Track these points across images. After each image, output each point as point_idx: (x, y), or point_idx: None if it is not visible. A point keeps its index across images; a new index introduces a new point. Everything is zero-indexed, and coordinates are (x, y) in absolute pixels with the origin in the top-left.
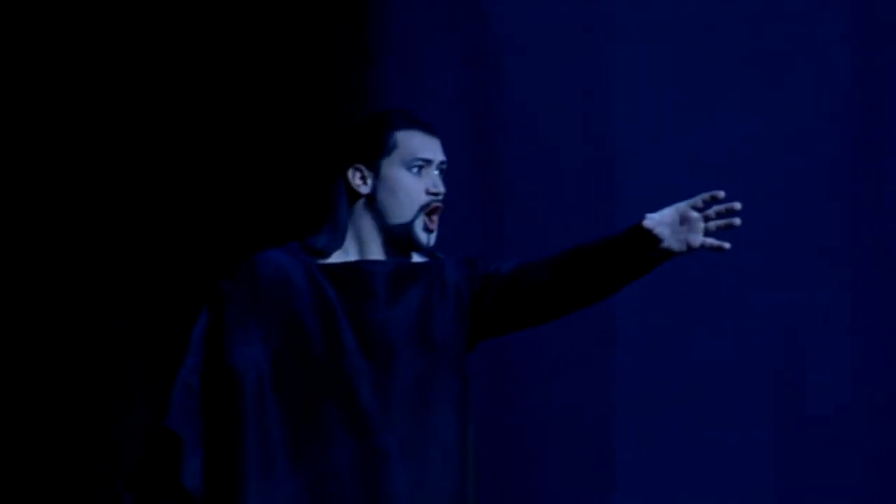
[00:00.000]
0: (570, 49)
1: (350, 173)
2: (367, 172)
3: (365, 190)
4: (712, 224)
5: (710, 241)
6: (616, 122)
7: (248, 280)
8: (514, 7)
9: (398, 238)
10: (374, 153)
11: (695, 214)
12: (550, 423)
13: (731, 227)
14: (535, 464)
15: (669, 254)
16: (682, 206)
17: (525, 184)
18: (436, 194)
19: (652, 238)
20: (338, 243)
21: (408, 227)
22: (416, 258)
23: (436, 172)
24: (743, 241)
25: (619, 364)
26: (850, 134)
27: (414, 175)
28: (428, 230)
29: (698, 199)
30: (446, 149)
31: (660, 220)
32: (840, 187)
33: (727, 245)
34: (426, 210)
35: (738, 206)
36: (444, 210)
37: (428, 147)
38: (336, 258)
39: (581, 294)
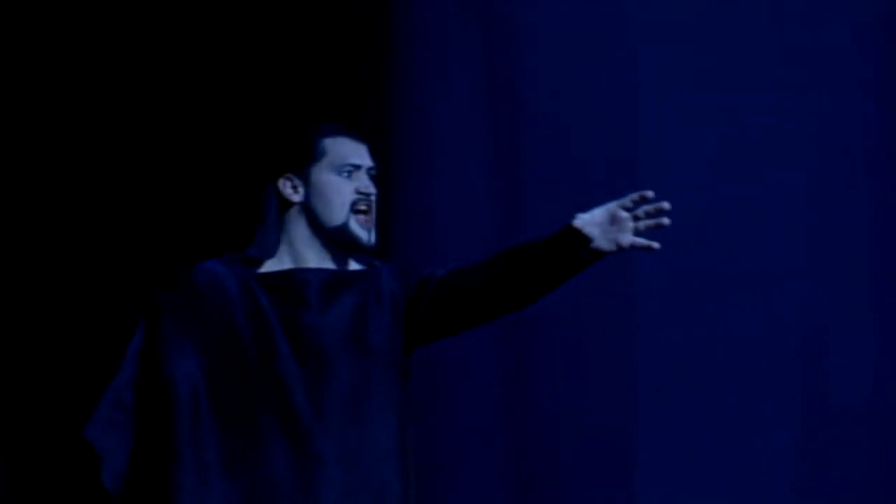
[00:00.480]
0: (593, 45)
1: (281, 183)
2: (297, 181)
3: (297, 199)
4: (641, 224)
5: (640, 240)
6: (640, 119)
7: (183, 291)
8: (537, 3)
9: (336, 241)
10: (304, 161)
11: (624, 214)
12: (573, 412)
13: (659, 226)
14: (557, 452)
15: (600, 253)
16: (612, 205)
17: (547, 181)
18: (366, 194)
19: (582, 238)
20: (269, 253)
21: (343, 229)
22: (354, 265)
23: (366, 176)
24: (768, 236)
25: (641, 355)
26: (875, 131)
27: (344, 178)
28: (365, 228)
29: (627, 200)
30: (471, 146)
31: (589, 220)
32: (865, 183)
33: (656, 244)
34: (356, 208)
35: (666, 205)
36: (377, 210)
37: (356, 153)
38: (271, 267)
39: (515, 295)
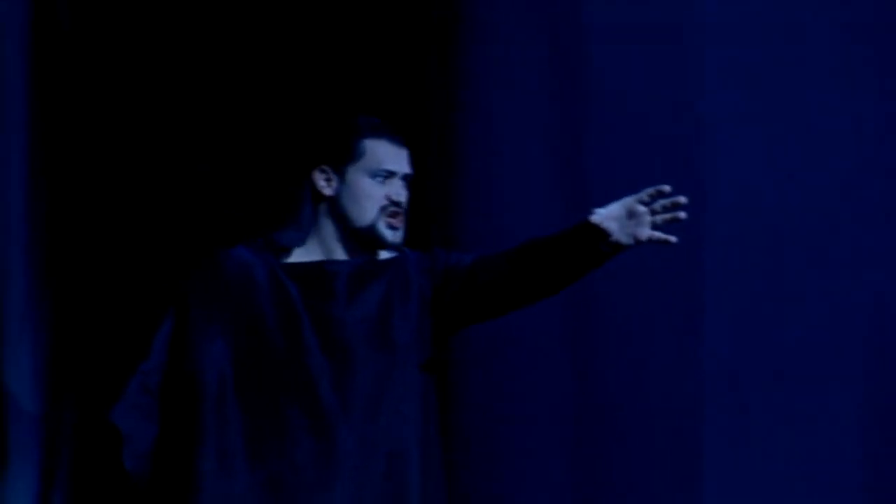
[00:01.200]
0: (659, 41)
1: (315, 174)
2: (332, 175)
3: (329, 192)
4: (658, 218)
5: (658, 234)
6: (706, 115)
7: (211, 277)
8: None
9: (362, 239)
10: (342, 158)
11: (641, 208)
12: (640, 408)
13: (676, 220)
14: (624, 449)
15: (619, 247)
16: (629, 200)
17: (612, 178)
18: (397, 203)
19: (600, 232)
20: (299, 242)
21: (371, 229)
22: (382, 254)
23: (400, 183)
24: (834, 229)
25: (708, 350)
26: None
27: (378, 183)
28: (392, 228)
29: (644, 194)
30: (536, 143)
31: (607, 215)
32: None
33: (673, 238)
34: (386, 213)
35: (683, 200)
36: (407, 216)
37: (395, 158)
38: (301, 257)
39: (536, 287)
